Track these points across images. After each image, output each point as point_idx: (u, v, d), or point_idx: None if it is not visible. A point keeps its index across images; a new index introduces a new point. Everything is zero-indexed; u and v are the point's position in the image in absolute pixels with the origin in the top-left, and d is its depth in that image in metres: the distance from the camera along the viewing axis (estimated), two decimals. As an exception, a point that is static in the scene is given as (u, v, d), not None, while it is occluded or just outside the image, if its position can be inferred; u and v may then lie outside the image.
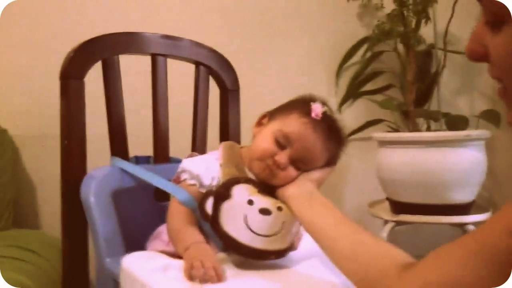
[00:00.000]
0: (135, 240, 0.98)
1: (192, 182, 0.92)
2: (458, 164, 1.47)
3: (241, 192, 0.87)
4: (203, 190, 0.91)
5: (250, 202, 0.86)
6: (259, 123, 0.98)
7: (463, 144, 1.48)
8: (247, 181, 0.90)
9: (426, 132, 1.62)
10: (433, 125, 1.69)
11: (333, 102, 1.90)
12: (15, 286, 1.05)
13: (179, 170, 0.96)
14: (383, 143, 1.61)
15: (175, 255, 0.88)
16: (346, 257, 0.77)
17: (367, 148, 1.81)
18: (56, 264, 1.17)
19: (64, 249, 1.04)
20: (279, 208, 0.87)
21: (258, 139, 0.94)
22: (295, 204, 0.87)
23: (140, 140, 1.18)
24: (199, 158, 0.98)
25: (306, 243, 0.93)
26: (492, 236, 0.62)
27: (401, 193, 1.57)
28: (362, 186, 1.94)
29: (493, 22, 0.49)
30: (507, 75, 0.49)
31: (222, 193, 0.87)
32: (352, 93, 1.89)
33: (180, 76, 1.28)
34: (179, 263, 0.83)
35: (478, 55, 0.51)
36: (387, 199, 1.66)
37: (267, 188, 0.91)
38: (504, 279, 0.61)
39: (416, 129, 1.65)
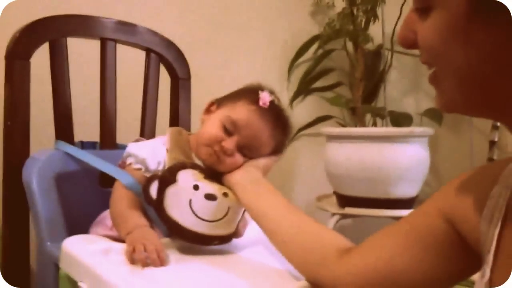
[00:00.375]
0: (78, 226, 0.97)
1: (137, 166, 0.92)
2: (401, 159, 1.52)
3: (187, 177, 0.87)
4: (149, 175, 0.90)
5: (196, 187, 0.86)
6: (208, 110, 0.98)
7: (407, 140, 1.53)
8: (194, 166, 0.90)
9: (372, 128, 1.67)
10: (379, 122, 1.74)
11: (285, 97, 1.92)
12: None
13: (124, 154, 0.95)
14: (331, 138, 1.64)
15: (118, 240, 0.87)
16: (288, 241, 0.79)
17: (317, 143, 1.84)
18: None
19: (4, 233, 1.02)
20: (225, 194, 0.88)
21: (206, 125, 0.94)
22: (241, 190, 0.88)
23: (87, 126, 1.16)
24: (145, 143, 0.97)
25: (252, 231, 0.94)
26: (425, 218, 0.65)
27: (347, 187, 1.61)
28: (311, 180, 1.98)
29: (421, 9, 0.51)
30: (436, 59, 0.51)
31: (167, 178, 0.86)
32: (303, 89, 1.92)
33: (131, 62, 1.26)
34: (121, 246, 0.82)
35: (409, 41, 0.53)
36: (334, 193, 1.70)
37: (214, 174, 0.91)
38: (440, 259, 0.64)
39: (363, 125, 1.70)
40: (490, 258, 0.54)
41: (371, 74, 1.79)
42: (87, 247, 0.82)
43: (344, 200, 1.61)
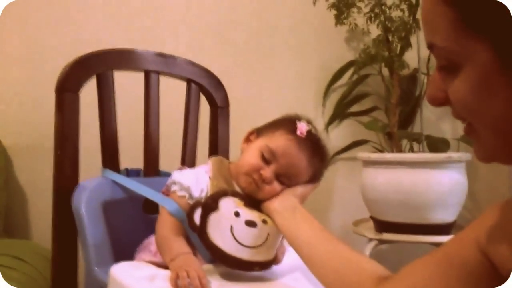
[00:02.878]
0: (124, 251, 1.01)
1: (182, 193, 0.95)
2: (439, 185, 1.52)
3: (228, 204, 0.91)
4: (192, 202, 0.94)
5: (237, 214, 0.90)
6: (247, 139, 1.02)
7: (444, 166, 1.53)
8: (234, 194, 0.93)
9: (408, 153, 1.67)
10: (415, 146, 1.74)
11: (321, 122, 1.95)
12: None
13: (169, 182, 0.99)
14: (368, 163, 1.65)
15: (162, 266, 0.90)
16: (325, 268, 0.81)
17: (353, 167, 1.85)
18: (45, 273, 1.19)
19: (54, 258, 1.06)
20: (264, 221, 0.91)
21: (245, 155, 0.98)
22: (279, 217, 0.90)
23: (131, 153, 1.21)
24: (189, 171, 1.01)
25: (290, 257, 0.96)
26: (461, 249, 0.66)
27: (384, 212, 1.61)
28: (347, 205, 1.98)
29: (448, 67, 0.52)
30: (472, 115, 0.52)
31: (210, 205, 0.90)
32: (339, 113, 1.94)
33: (172, 92, 1.31)
34: (165, 273, 0.85)
35: (439, 100, 0.54)
36: (371, 217, 1.69)
37: (253, 201, 0.94)
38: None
39: (399, 150, 1.69)
40: None
41: (407, 99, 1.79)
42: (134, 274, 0.86)
43: (381, 225, 1.61)
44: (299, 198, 0.95)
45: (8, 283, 1.11)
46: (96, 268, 0.96)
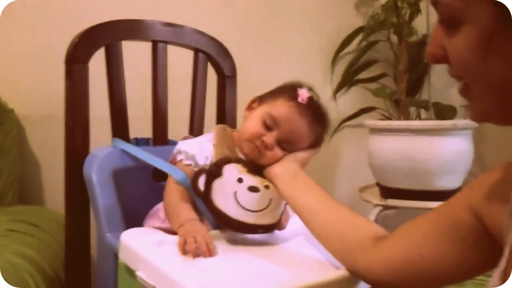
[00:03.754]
0: (134, 217, 1.04)
1: (188, 162, 0.98)
2: (445, 152, 1.53)
3: (231, 171, 0.94)
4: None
5: (240, 180, 0.93)
6: (250, 107, 1.04)
7: (450, 133, 1.54)
8: (238, 160, 0.96)
9: (414, 121, 1.68)
10: (423, 113, 1.74)
11: (329, 89, 1.95)
12: (20, 258, 1.11)
13: (175, 151, 1.02)
14: (374, 130, 1.66)
15: (171, 232, 0.94)
16: (325, 229, 0.84)
17: (360, 134, 1.87)
18: (60, 238, 1.23)
19: (67, 223, 1.10)
20: (266, 187, 0.94)
21: (248, 122, 1.00)
22: (280, 182, 0.93)
23: (140, 123, 1.23)
24: (194, 140, 1.04)
25: (294, 223, 1.00)
26: (453, 210, 0.69)
27: (390, 179, 1.63)
28: (353, 171, 2.01)
29: (449, 24, 0.52)
30: (469, 74, 0.52)
31: (213, 171, 0.93)
32: (347, 80, 1.94)
33: (180, 62, 1.33)
34: (173, 239, 0.88)
35: (438, 57, 0.55)
36: (377, 184, 1.72)
37: (256, 168, 0.97)
38: (465, 250, 0.67)
39: (406, 117, 1.70)
40: (507, 249, 0.56)
41: (415, 66, 1.78)
42: (143, 240, 0.89)
43: (387, 192, 1.64)
44: (300, 163, 0.98)
45: (24, 248, 1.16)
46: (108, 234, 1.00)
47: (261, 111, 0.98)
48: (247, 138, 0.97)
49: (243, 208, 0.91)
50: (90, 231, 1.10)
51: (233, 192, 0.92)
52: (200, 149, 0.99)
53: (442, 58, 0.54)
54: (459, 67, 0.53)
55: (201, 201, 0.94)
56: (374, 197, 1.69)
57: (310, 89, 1.00)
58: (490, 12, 0.48)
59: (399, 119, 1.72)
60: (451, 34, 0.52)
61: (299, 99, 0.97)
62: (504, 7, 0.46)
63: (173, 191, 0.97)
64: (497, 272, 0.56)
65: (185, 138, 1.06)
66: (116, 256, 0.93)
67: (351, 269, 0.80)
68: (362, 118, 1.84)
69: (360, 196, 1.75)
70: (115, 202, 1.03)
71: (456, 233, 0.67)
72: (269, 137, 0.95)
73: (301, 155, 0.99)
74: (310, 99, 0.98)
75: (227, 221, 0.91)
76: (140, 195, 1.10)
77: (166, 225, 0.98)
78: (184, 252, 0.84)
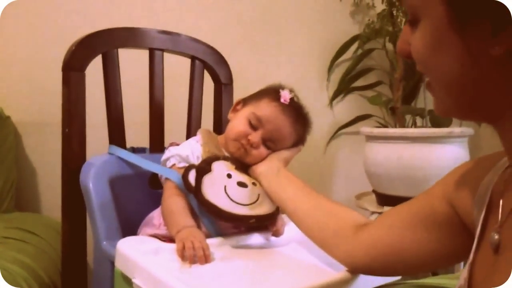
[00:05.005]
0: (131, 224, 1.05)
1: (181, 165, 1.01)
2: (441, 159, 1.54)
3: (220, 167, 0.98)
4: None
5: (229, 176, 0.97)
6: (234, 109, 1.09)
7: (446, 141, 1.54)
8: (226, 158, 1.01)
9: (410, 129, 1.69)
10: (419, 121, 1.75)
11: (325, 97, 1.96)
12: (17, 266, 1.11)
13: (164, 158, 1.04)
14: (370, 138, 1.67)
15: (166, 237, 0.95)
16: (307, 220, 0.87)
17: (356, 142, 1.87)
18: (56, 246, 1.23)
19: (64, 231, 1.09)
20: (254, 184, 0.98)
21: (233, 122, 1.05)
22: (265, 179, 0.98)
23: (137, 131, 1.24)
24: (183, 143, 1.06)
25: (290, 231, 1.00)
26: (430, 200, 0.71)
27: (386, 186, 1.63)
28: (350, 178, 2.01)
29: (411, 20, 0.53)
30: (426, 68, 0.53)
31: (203, 167, 0.97)
32: (343, 88, 1.95)
33: (177, 69, 1.33)
34: (169, 247, 0.89)
35: (405, 52, 0.55)
36: (373, 191, 1.72)
37: (243, 167, 1.02)
38: (441, 239, 0.68)
39: (402, 125, 1.71)
40: (475, 241, 0.58)
41: (411, 74, 1.79)
42: (140, 248, 0.89)
43: (383, 199, 1.64)
44: (284, 161, 1.02)
45: (20, 255, 1.16)
46: (104, 242, 1.00)
47: (246, 112, 1.03)
48: (234, 137, 1.02)
49: (234, 201, 0.94)
50: (86, 238, 1.10)
51: (223, 186, 0.95)
52: (191, 151, 1.02)
53: (409, 54, 0.55)
54: (418, 62, 0.54)
55: (193, 197, 0.95)
56: (371, 204, 1.69)
57: (291, 90, 1.06)
58: (442, 8, 0.48)
59: (395, 126, 1.73)
60: (413, 30, 0.53)
61: (282, 100, 1.02)
62: (455, 3, 0.47)
63: (171, 195, 0.98)
64: (467, 265, 0.58)
65: (171, 145, 1.07)
66: (112, 264, 0.92)
67: (332, 255, 0.82)
68: (358, 125, 1.85)
69: (357, 203, 1.75)
70: (111, 210, 1.04)
71: (432, 222, 0.69)
72: (255, 136, 1.00)
73: (284, 154, 1.04)
74: (292, 100, 1.04)
75: (219, 213, 0.93)
76: (136, 203, 1.10)
77: (161, 231, 0.98)
78: (183, 257, 0.85)
